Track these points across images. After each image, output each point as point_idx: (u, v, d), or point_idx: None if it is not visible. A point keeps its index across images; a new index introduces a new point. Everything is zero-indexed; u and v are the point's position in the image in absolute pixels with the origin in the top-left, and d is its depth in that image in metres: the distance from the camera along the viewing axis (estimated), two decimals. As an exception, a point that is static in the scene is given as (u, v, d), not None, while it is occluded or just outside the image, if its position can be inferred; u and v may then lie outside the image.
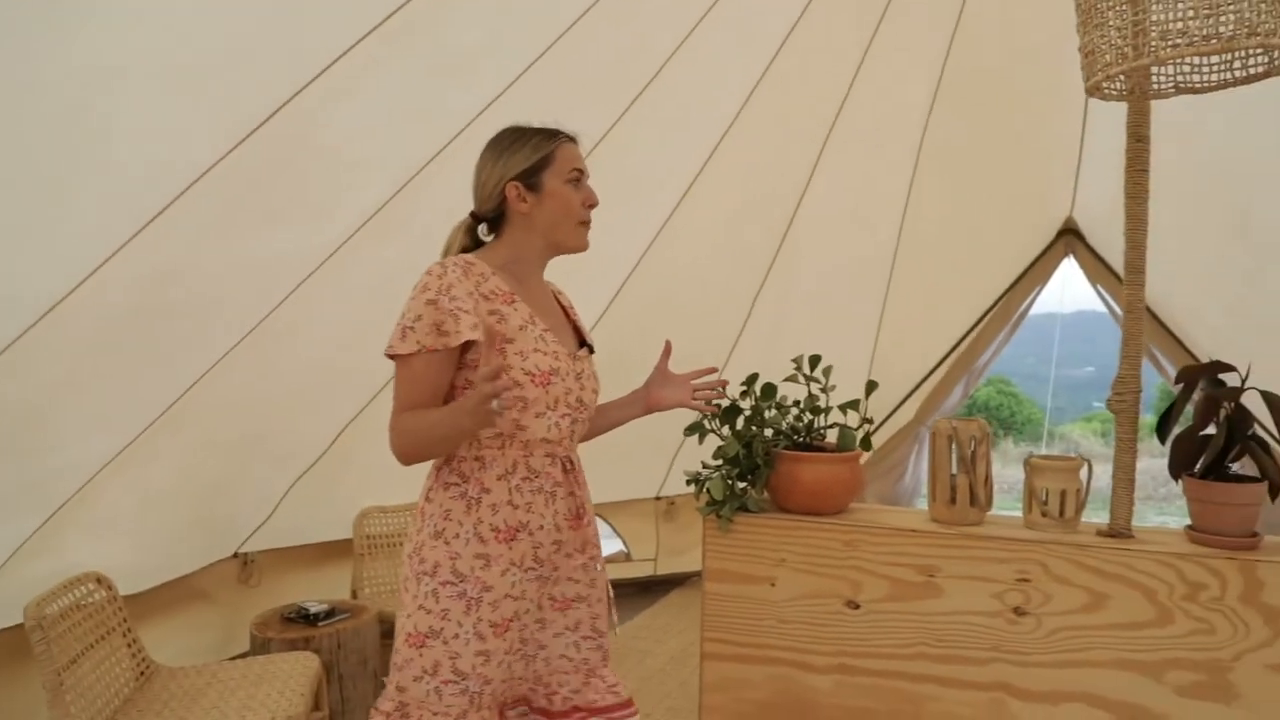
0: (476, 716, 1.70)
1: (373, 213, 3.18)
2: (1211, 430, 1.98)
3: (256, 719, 2.69)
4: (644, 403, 2.09)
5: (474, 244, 1.87)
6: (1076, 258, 5.11)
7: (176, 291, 2.83)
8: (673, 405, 2.08)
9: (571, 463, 1.84)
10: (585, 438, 2.04)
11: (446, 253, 1.86)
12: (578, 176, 1.83)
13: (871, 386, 2.28)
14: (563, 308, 1.97)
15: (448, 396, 1.72)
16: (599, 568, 1.89)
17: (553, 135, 1.83)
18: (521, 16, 3.03)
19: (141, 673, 2.97)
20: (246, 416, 3.48)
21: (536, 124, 1.85)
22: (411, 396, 1.67)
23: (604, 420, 2.08)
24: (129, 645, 2.98)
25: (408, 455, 1.68)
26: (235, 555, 3.96)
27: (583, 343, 1.95)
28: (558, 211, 1.80)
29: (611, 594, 1.96)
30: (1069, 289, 5.65)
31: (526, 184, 1.78)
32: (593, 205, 1.85)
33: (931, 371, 5.51)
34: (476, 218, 1.85)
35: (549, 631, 1.83)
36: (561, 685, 1.85)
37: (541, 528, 1.75)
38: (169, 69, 2.32)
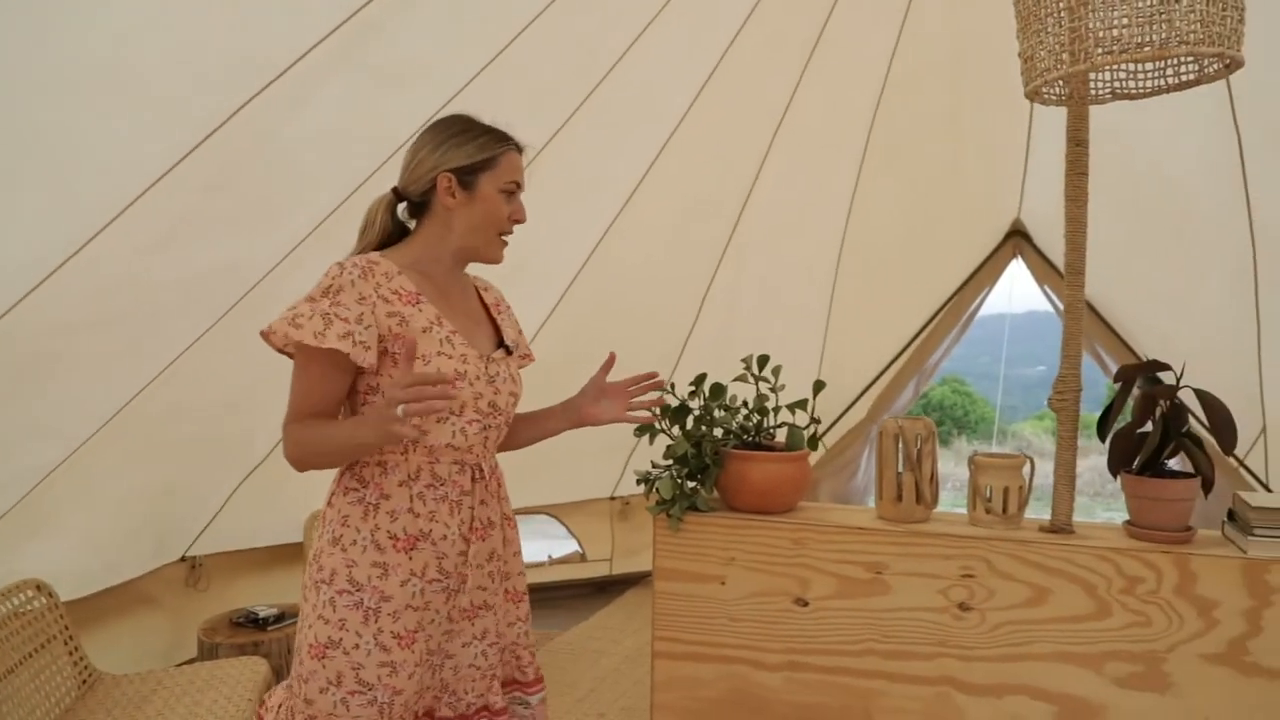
0: None
1: (321, 219, 3.15)
2: (1149, 428, 2.03)
3: (202, 726, 2.65)
4: (574, 417, 2.00)
5: (394, 223, 1.80)
6: (1024, 259, 5.21)
7: (124, 298, 2.78)
8: (607, 422, 1.99)
9: (483, 471, 1.77)
10: (513, 446, 1.98)
11: (367, 227, 1.80)
12: (513, 189, 1.77)
13: (819, 386, 2.30)
14: (485, 305, 1.90)
15: (341, 404, 1.67)
16: (511, 576, 1.84)
17: (503, 139, 1.77)
18: (471, 22, 3.01)
19: (84, 681, 2.91)
20: (193, 419, 3.42)
21: (488, 120, 1.79)
22: (297, 392, 1.63)
23: (534, 430, 2.00)
24: (70, 653, 2.91)
25: (293, 459, 1.62)
26: (183, 559, 3.90)
27: (501, 343, 1.87)
28: (484, 217, 1.75)
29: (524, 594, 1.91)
30: (1019, 289, 5.76)
31: (461, 180, 1.72)
32: (519, 221, 1.80)
33: (883, 371, 5.58)
34: (398, 194, 1.78)
35: (457, 641, 1.76)
36: (468, 692, 1.79)
37: (445, 538, 1.69)
38: (117, 76, 2.28)
